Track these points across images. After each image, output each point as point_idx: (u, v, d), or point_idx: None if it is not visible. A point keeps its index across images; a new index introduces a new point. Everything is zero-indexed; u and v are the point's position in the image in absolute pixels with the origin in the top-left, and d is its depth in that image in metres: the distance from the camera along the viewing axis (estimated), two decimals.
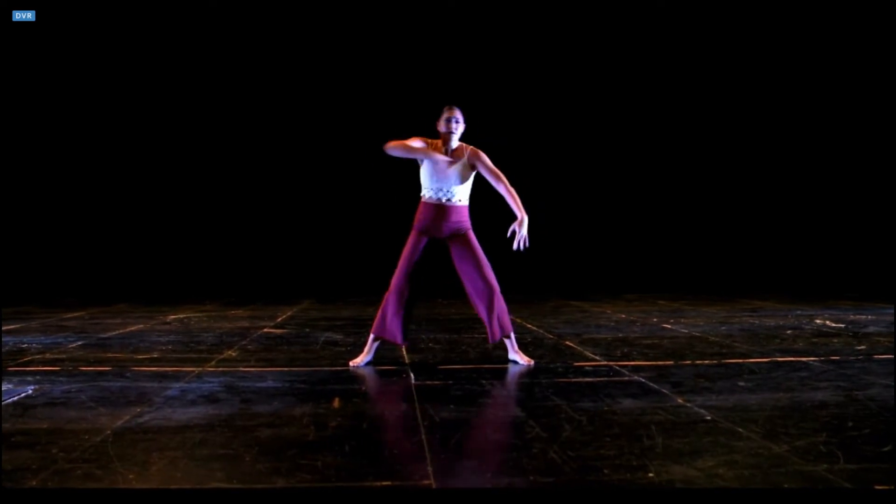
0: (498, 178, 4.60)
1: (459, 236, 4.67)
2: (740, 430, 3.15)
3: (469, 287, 4.68)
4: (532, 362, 4.77)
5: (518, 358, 4.80)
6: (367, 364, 4.69)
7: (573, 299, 9.92)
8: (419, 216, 4.69)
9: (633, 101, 12.19)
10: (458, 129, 4.70)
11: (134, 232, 11.43)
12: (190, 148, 11.57)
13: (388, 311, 4.62)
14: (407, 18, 11.61)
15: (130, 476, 2.52)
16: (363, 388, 3.99)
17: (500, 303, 4.66)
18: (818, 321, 7.34)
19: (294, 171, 11.69)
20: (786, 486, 2.45)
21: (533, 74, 12.06)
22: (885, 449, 2.88)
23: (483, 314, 4.66)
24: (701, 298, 9.89)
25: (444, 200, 4.64)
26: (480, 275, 4.63)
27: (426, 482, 2.46)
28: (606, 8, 11.87)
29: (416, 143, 4.61)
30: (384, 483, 2.46)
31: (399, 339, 4.68)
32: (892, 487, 2.43)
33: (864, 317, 7.68)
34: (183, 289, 10.87)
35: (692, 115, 12.27)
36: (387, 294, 4.67)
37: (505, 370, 4.60)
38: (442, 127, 4.69)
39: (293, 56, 11.64)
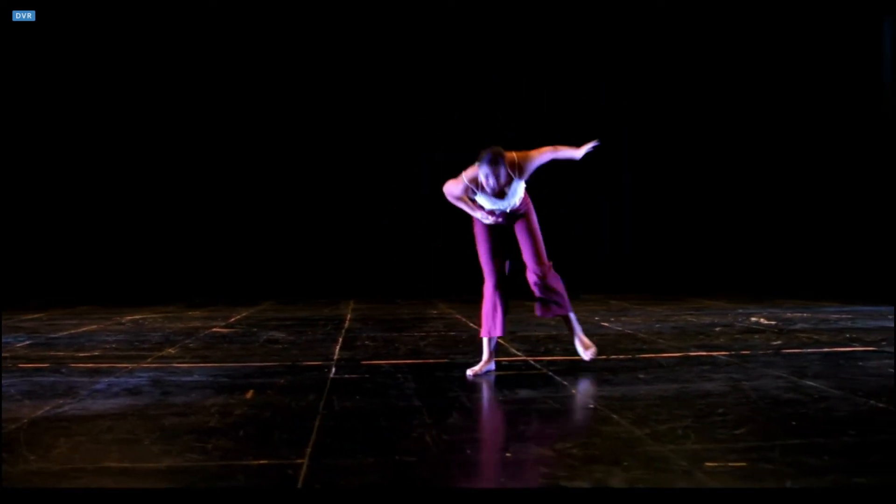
0: (547, 152, 4.51)
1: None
2: (614, 416, 3.41)
3: None
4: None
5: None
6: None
7: (529, 299, 10.15)
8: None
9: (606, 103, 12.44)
10: (493, 182, 4.28)
11: (111, 234, 11.56)
12: (168, 151, 11.70)
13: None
14: (405, 19, 11.82)
15: (32, 458, 2.76)
16: (282, 382, 4.23)
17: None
18: (753, 319, 7.61)
19: (274, 174, 11.86)
20: (625, 463, 2.71)
21: (532, 73, 12.32)
22: (738, 431, 3.14)
23: None
24: (655, 298, 10.15)
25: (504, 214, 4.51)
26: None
27: (299, 461, 2.71)
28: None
29: (461, 203, 4.43)
30: (260, 462, 2.71)
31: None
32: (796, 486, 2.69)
33: (799, 315, 7.96)
34: (155, 291, 11.03)
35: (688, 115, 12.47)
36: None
37: (427, 366, 4.85)
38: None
39: (281, 58, 11.83)
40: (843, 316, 7.82)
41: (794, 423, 3.29)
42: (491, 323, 4.53)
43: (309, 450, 2.85)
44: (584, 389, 4.02)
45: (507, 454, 2.81)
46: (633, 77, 12.45)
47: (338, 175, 12.03)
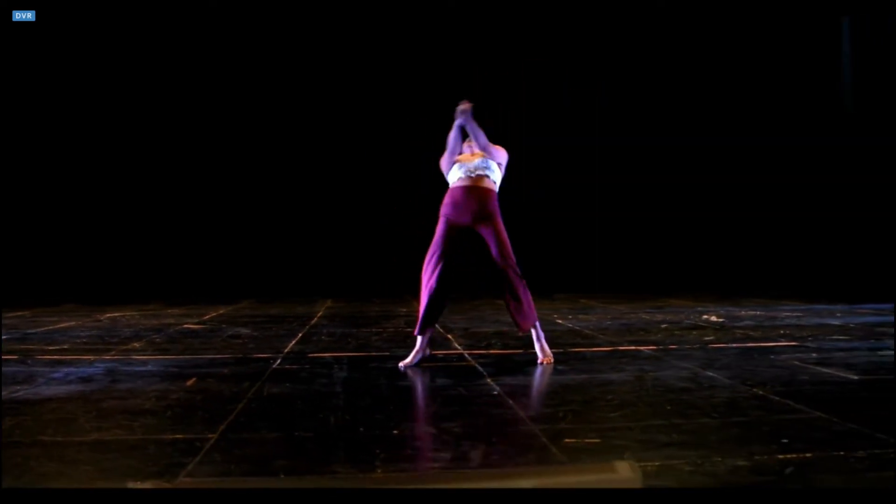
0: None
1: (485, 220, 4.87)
2: (510, 401, 3.78)
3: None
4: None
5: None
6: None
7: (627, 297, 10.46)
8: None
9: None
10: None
11: (101, 235, 11.92)
12: (162, 153, 12.02)
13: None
14: (403, 18, 12.18)
15: None
16: (225, 371, 4.62)
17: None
18: (705, 316, 7.97)
19: (266, 174, 12.21)
20: (493, 439, 3.09)
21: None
22: (613, 414, 3.51)
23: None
24: (627, 297, 10.46)
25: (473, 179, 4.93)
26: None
27: (210, 436, 3.10)
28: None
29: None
30: (175, 436, 3.10)
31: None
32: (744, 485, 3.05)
33: (752, 312, 8.30)
34: (147, 290, 11.36)
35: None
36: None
37: (368, 358, 5.22)
38: None
39: (276, 55, 12.18)
40: (794, 314, 8.17)
41: (668, 407, 3.65)
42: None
43: (223, 427, 3.24)
44: (498, 379, 4.39)
45: (395, 432, 3.19)
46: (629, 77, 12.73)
47: (330, 175, 12.40)
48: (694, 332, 6.57)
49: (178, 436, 3.12)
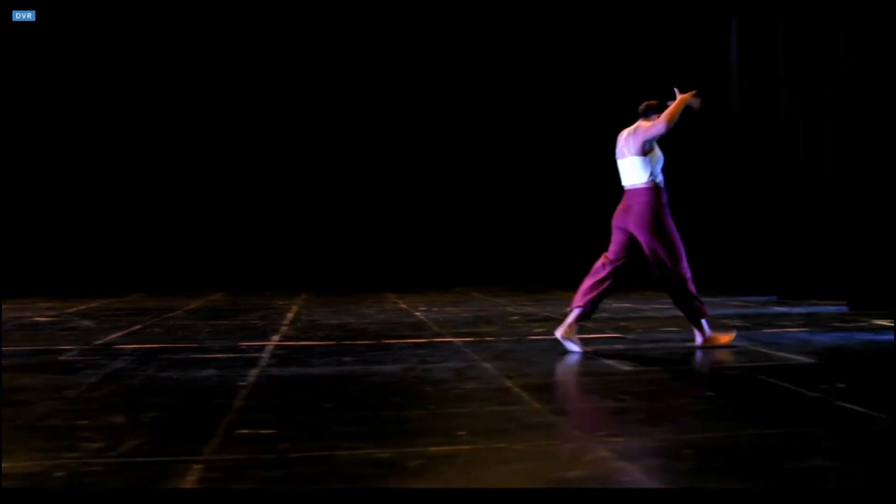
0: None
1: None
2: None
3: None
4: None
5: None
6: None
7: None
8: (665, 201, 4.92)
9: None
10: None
11: (122, 231, 12.12)
12: (195, 145, 12.28)
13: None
14: (406, 18, 12.33)
15: None
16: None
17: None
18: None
19: (267, 170, 12.45)
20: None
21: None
22: (327, 405, 3.55)
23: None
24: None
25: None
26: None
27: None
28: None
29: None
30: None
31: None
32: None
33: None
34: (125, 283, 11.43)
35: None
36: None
37: (161, 350, 5.19)
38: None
39: (261, 59, 12.33)
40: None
41: (394, 399, 3.68)
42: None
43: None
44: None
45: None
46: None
47: (319, 173, 12.59)
48: (532, 325, 6.55)
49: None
